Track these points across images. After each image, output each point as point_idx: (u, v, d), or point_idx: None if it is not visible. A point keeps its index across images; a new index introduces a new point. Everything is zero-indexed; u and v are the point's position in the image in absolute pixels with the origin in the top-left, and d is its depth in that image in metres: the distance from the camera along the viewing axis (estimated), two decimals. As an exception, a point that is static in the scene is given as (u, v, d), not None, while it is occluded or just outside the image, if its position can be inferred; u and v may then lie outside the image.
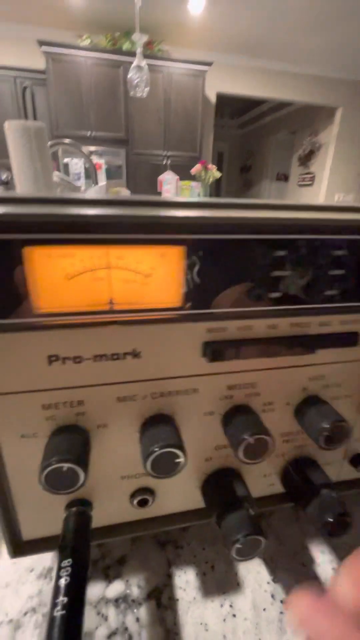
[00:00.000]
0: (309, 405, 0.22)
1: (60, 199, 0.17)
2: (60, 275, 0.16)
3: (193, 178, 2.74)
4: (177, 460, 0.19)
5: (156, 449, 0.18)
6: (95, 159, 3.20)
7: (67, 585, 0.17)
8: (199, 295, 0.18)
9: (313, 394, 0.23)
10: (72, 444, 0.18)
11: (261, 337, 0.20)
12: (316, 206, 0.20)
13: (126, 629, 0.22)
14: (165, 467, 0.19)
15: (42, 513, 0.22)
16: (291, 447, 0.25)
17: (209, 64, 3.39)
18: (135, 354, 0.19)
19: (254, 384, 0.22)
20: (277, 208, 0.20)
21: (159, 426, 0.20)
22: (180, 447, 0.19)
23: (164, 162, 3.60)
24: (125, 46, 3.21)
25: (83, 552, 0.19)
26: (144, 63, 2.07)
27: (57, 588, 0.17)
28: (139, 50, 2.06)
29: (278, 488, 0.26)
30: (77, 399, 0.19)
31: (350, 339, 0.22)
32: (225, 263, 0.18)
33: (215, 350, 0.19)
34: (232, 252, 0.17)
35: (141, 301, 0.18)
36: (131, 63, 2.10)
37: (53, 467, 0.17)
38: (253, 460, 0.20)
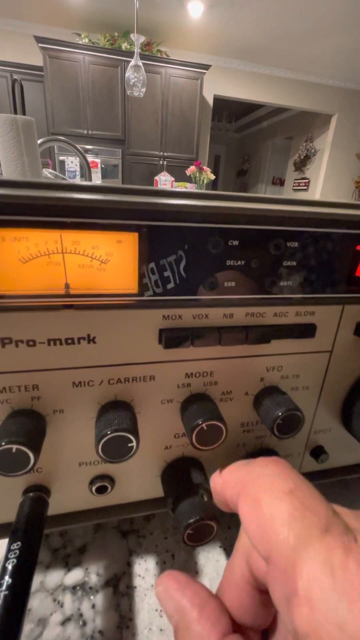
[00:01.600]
0: (266, 395, 0.23)
1: (24, 182, 0.17)
2: (14, 258, 0.16)
3: (189, 179, 2.75)
4: (130, 444, 0.19)
5: (108, 432, 0.18)
6: (91, 158, 3.20)
7: (14, 567, 0.17)
8: (155, 283, 0.18)
9: (271, 384, 0.24)
10: (23, 426, 0.18)
11: (216, 326, 0.20)
12: (274, 198, 0.21)
13: (81, 615, 0.22)
14: (117, 451, 0.19)
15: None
16: (251, 438, 0.25)
17: (207, 66, 3.41)
18: (91, 339, 0.19)
19: (211, 372, 0.22)
20: (237, 199, 0.20)
21: (114, 411, 0.20)
22: (133, 432, 0.19)
23: (160, 163, 3.61)
24: (124, 46, 3.21)
25: (34, 536, 0.19)
26: (141, 63, 2.07)
27: (3, 569, 0.17)
28: (136, 50, 2.07)
29: (240, 478, 0.27)
30: (31, 383, 0.19)
31: (307, 331, 0.22)
32: (179, 251, 0.18)
33: (169, 338, 0.20)
34: (186, 240, 0.18)
35: (98, 286, 0.18)
36: (129, 63, 2.11)
37: (2, 448, 0.17)
38: (206, 447, 0.20)
